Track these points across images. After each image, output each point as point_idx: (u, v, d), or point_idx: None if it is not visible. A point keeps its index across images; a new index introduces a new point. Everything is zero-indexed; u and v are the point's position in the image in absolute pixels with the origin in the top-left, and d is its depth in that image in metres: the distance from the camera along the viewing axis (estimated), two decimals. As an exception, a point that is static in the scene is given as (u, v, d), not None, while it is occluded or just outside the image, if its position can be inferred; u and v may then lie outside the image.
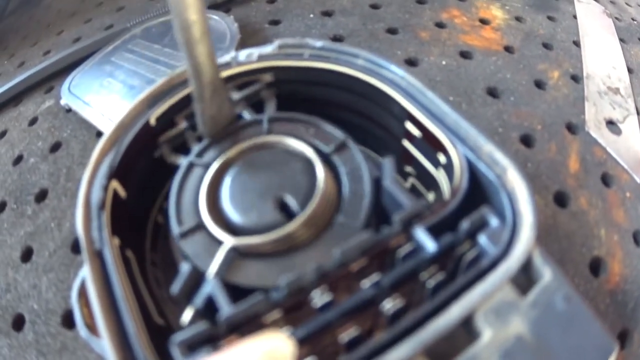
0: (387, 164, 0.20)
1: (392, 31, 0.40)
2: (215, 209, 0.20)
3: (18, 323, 0.28)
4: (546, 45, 0.39)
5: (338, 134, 0.21)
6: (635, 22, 0.47)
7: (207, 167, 0.21)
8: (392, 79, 0.23)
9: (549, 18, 0.43)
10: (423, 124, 0.21)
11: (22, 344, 0.27)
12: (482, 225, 0.17)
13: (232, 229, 0.19)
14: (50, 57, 0.42)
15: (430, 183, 0.23)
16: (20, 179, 0.34)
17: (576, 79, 0.37)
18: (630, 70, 0.39)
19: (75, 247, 0.29)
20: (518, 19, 0.42)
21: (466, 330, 0.15)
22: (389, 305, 0.16)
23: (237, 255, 0.18)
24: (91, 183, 0.20)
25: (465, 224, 0.17)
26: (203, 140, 0.22)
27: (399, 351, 0.14)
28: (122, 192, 0.21)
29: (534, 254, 0.16)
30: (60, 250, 0.30)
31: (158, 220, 0.24)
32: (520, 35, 0.40)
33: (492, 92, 0.35)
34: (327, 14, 0.42)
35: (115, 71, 0.38)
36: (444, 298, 0.15)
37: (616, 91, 0.37)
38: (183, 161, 0.22)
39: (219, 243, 0.19)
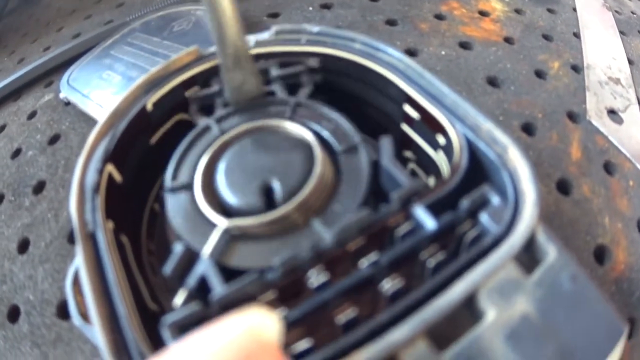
0: (385, 143, 0.19)
1: (391, 23, 0.40)
2: (210, 185, 0.20)
3: (13, 314, 0.28)
4: (546, 37, 0.39)
5: (354, 136, 0.21)
6: (635, 15, 0.46)
7: (222, 132, 0.21)
8: (389, 61, 0.22)
9: (549, 10, 0.42)
10: (421, 106, 0.21)
11: (17, 335, 0.27)
12: (483, 203, 0.17)
13: (226, 209, 0.19)
14: (49, 53, 0.42)
15: (430, 168, 0.22)
16: (18, 172, 0.34)
17: (577, 69, 0.37)
18: (630, 62, 0.39)
19: (72, 238, 0.29)
20: (517, 11, 0.42)
21: (469, 310, 0.15)
22: (388, 285, 0.16)
23: (231, 237, 0.18)
24: (86, 166, 0.20)
25: (465, 202, 0.17)
26: (227, 107, 0.22)
27: (399, 331, 0.14)
28: (117, 177, 0.21)
29: (537, 231, 0.16)
30: (57, 241, 0.30)
31: (154, 208, 0.24)
32: (520, 27, 0.40)
33: (492, 82, 0.35)
34: (326, 6, 0.42)
35: (115, 64, 0.38)
36: (446, 277, 0.15)
37: (617, 81, 0.36)
38: (202, 121, 0.22)
39: (213, 224, 0.18)
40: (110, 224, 0.19)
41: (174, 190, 0.20)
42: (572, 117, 0.33)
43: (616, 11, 0.45)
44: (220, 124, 0.22)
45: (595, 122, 0.33)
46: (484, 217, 0.17)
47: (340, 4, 0.42)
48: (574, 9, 0.43)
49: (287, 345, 0.14)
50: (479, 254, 0.16)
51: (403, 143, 0.23)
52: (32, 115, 0.38)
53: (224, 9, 0.19)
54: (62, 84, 0.37)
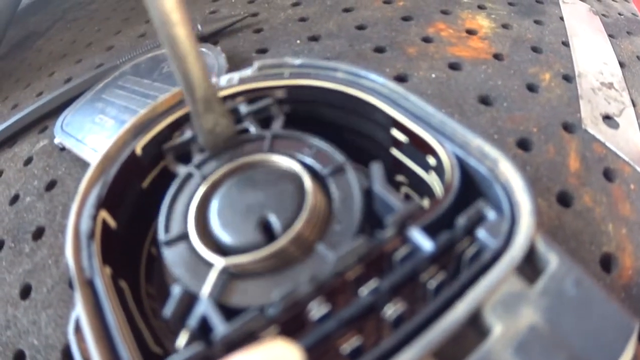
0: (375, 169, 0.19)
1: (379, 50, 0.40)
2: (204, 227, 0.19)
3: (19, 359, 0.27)
4: (535, 49, 0.39)
5: (338, 156, 0.21)
6: (622, 16, 0.47)
7: (204, 178, 0.21)
8: (373, 87, 0.23)
9: (536, 22, 0.43)
10: (409, 128, 0.21)
11: (23, 381, 0.26)
12: (479, 219, 0.17)
13: (222, 249, 0.19)
14: (42, 98, 0.42)
15: (424, 190, 0.22)
16: (17, 218, 0.34)
17: (568, 78, 0.37)
18: (622, 64, 0.39)
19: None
20: (505, 26, 0.42)
21: (475, 327, 0.15)
22: (391, 310, 0.15)
23: (229, 276, 0.18)
24: (80, 213, 0.20)
25: (461, 220, 0.17)
26: (204, 151, 0.22)
27: (406, 355, 0.14)
28: (111, 222, 0.21)
29: (536, 241, 0.16)
30: (58, 286, 0.29)
31: (151, 252, 0.24)
32: (509, 42, 0.40)
33: (485, 100, 0.35)
34: (314, 38, 0.42)
35: (107, 108, 0.38)
36: (448, 296, 0.15)
37: (610, 86, 0.36)
38: (182, 170, 0.22)
39: (209, 264, 0.18)
40: (108, 270, 0.19)
41: (169, 243, 0.19)
42: (567, 127, 0.33)
43: (603, 15, 0.46)
44: (200, 169, 0.22)
45: (591, 130, 0.33)
46: (481, 233, 0.17)
47: (327, 35, 0.42)
48: (561, 18, 0.44)
49: None
50: (480, 270, 0.15)
51: (394, 168, 0.23)
52: (28, 161, 0.39)
53: (188, 56, 0.19)
54: (57, 130, 0.38)
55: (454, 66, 0.38)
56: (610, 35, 0.43)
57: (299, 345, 0.14)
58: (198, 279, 0.18)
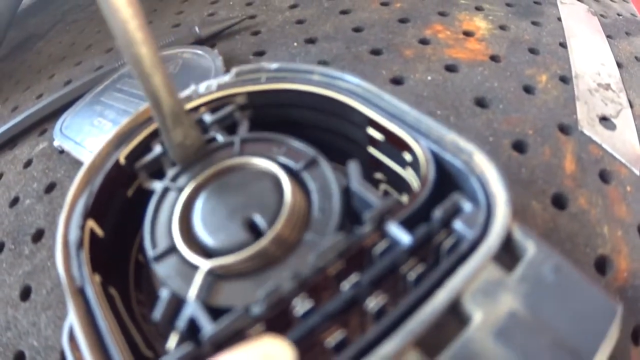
0: (352, 167, 0.20)
1: (376, 52, 0.40)
2: (188, 233, 0.20)
3: (19, 360, 0.28)
4: (532, 51, 0.39)
5: (309, 150, 0.21)
6: (620, 17, 0.47)
7: (180, 190, 0.21)
8: (348, 88, 0.23)
9: (534, 23, 0.43)
10: (384, 126, 0.21)
11: (23, 381, 0.27)
12: (455, 211, 0.17)
13: (207, 252, 0.19)
14: (42, 101, 0.43)
15: (402, 186, 0.23)
16: (17, 220, 0.35)
17: (565, 80, 0.37)
18: (619, 65, 0.39)
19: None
20: (502, 27, 0.42)
21: (456, 316, 0.15)
22: (372, 303, 0.16)
23: (215, 277, 0.18)
24: (68, 223, 0.21)
25: (438, 213, 0.17)
26: (176, 165, 0.22)
27: (389, 345, 0.14)
28: (99, 231, 0.21)
29: (513, 230, 0.16)
30: (58, 288, 0.30)
31: (139, 259, 0.24)
32: (506, 43, 0.40)
33: (480, 102, 0.35)
34: (311, 41, 0.42)
35: (105, 111, 0.38)
36: (428, 286, 0.15)
37: (607, 87, 0.36)
38: (158, 186, 0.22)
39: (195, 267, 0.18)
40: (98, 278, 0.20)
41: (157, 258, 0.19)
42: (563, 129, 0.33)
43: (601, 15, 0.46)
44: (176, 182, 0.22)
45: (587, 132, 0.33)
46: (457, 224, 0.17)
47: (324, 37, 0.42)
48: (559, 19, 0.44)
49: None
50: (458, 260, 0.16)
51: (372, 165, 0.24)
52: (28, 163, 0.39)
53: (153, 74, 0.19)
54: (56, 132, 0.38)
55: (450, 68, 0.38)
56: (608, 36, 0.42)
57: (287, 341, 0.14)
58: (185, 282, 0.18)
